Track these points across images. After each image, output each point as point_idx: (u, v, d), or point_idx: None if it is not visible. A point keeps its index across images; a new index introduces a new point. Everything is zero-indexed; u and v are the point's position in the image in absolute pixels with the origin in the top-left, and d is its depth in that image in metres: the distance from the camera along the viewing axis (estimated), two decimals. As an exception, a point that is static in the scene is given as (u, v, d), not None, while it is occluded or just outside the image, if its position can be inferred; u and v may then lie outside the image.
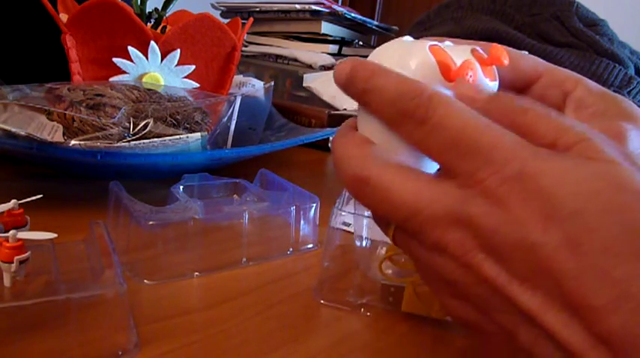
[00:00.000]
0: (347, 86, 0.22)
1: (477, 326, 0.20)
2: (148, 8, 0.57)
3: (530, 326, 0.18)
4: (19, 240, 0.25)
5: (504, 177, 0.18)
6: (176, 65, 0.53)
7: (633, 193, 0.17)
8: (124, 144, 0.41)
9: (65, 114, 0.41)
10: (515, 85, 0.27)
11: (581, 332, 0.16)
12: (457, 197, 0.19)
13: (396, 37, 0.25)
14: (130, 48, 0.50)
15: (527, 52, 0.26)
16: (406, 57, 0.22)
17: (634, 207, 0.16)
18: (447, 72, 0.22)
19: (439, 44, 0.23)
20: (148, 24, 0.58)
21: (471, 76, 0.22)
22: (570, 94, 0.26)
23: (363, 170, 0.21)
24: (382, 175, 0.20)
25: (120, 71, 0.51)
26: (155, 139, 0.42)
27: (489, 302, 0.19)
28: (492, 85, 0.25)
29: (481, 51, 0.25)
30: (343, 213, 0.34)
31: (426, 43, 0.22)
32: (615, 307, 0.16)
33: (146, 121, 0.42)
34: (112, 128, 0.41)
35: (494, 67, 0.25)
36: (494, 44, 0.24)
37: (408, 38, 0.24)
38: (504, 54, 0.23)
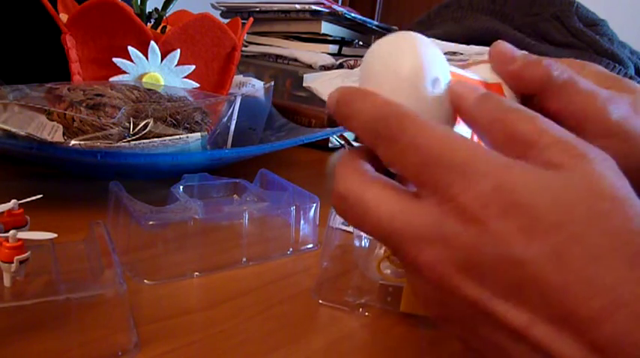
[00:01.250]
0: (335, 113, 0.22)
1: (469, 344, 0.20)
2: (148, 8, 0.57)
3: (521, 343, 0.17)
4: (19, 240, 0.25)
5: (479, 193, 0.17)
6: (176, 65, 0.53)
7: (612, 200, 0.17)
8: (124, 144, 0.41)
9: (65, 114, 0.41)
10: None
11: (573, 344, 0.16)
12: (431, 217, 0.18)
13: None
14: (130, 48, 0.50)
15: (526, 52, 0.26)
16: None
17: (615, 215, 0.16)
18: None
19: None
20: (148, 24, 0.58)
21: None
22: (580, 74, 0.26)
23: (344, 187, 0.21)
24: (362, 193, 0.20)
25: (120, 71, 0.51)
26: (155, 139, 0.42)
27: (475, 322, 0.18)
28: None
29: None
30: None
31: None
32: (608, 314, 0.15)
33: (146, 121, 0.42)
34: (112, 128, 0.41)
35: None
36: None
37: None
38: None
